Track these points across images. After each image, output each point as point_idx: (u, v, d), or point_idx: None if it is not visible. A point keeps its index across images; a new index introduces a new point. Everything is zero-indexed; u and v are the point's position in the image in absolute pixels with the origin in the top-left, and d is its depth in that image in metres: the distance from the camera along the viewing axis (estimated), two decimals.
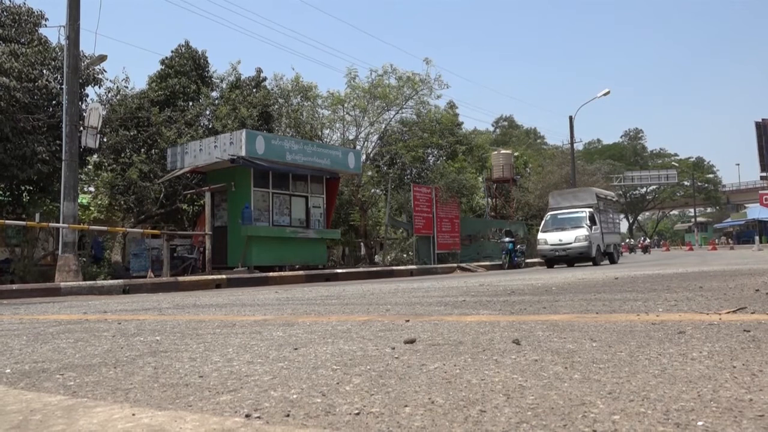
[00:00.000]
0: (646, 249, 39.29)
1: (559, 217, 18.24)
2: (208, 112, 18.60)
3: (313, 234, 15.31)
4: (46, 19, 14.72)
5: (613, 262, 18.85)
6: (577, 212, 18.06)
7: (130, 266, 15.32)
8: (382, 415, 1.17)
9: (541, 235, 17.82)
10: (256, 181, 14.24)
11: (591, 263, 17.24)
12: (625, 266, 13.60)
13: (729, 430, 0.98)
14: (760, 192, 34.27)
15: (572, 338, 2.07)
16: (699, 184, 67.04)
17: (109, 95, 16.73)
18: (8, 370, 1.92)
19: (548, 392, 1.29)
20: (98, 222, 17.68)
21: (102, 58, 14.57)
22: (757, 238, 34.61)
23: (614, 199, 21.79)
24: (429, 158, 24.84)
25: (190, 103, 18.37)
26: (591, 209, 17.96)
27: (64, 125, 10.87)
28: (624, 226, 79.10)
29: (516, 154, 35.19)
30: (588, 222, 17.14)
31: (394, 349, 2.01)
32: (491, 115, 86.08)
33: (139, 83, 38.00)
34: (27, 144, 12.76)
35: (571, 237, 16.98)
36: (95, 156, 16.30)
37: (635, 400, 1.19)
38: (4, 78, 12.27)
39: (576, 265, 18.06)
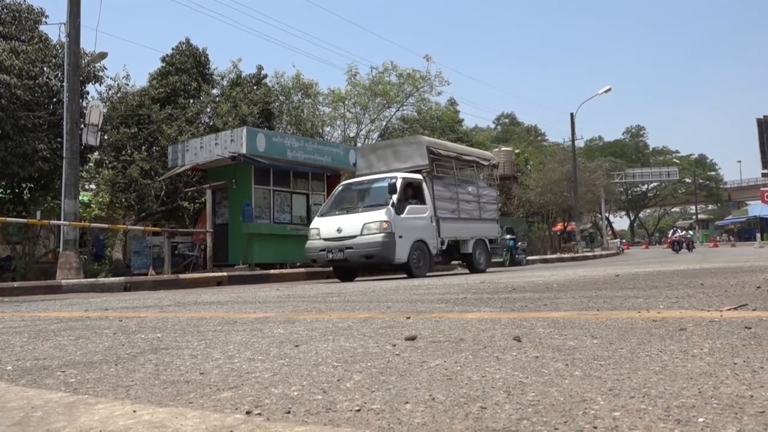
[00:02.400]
0: (681, 245, 28.12)
1: (354, 188, 11.32)
2: (209, 110, 18.60)
3: None
4: (47, 17, 14.72)
5: (476, 269, 11.98)
6: (380, 181, 10.77)
7: (132, 264, 15.34)
8: (383, 412, 1.17)
9: (314, 222, 10.96)
10: (257, 179, 14.23)
11: (404, 273, 10.57)
12: (625, 264, 13.60)
13: (730, 426, 0.98)
14: (761, 189, 34.15)
15: (573, 335, 2.07)
16: (700, 181, 67.00)
17: (110, 93, 16.73)
18: (9, 367, 1.92)
19: (549, 389, 1.29)
20: (99, 219, 17.69)
21: (103, 55, 14.56)
22: (758, 235, 34.56)
23: (484, 163, 13.51)
24: None
25: (191, 101, 18.37)
26: (408, 176, 10.82)
27: (64, 123, 10.87)
28: (625, 223, 79.12)
29: (517, 151, 35.18)
30: (394, 198, 10.00)
31: (395, 346, 2.01)
32: (492, 112, 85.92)
33: (139, 81, 38.03)
34: (28, 141, 12.77)
35: (356, 226, 10.01)
36: (96, 153, 16.29)
37: (636, 397, 1.19)
38: (4, 75, 12.27)
39: (384, 275, 12.60)
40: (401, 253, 10.08)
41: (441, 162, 11.91)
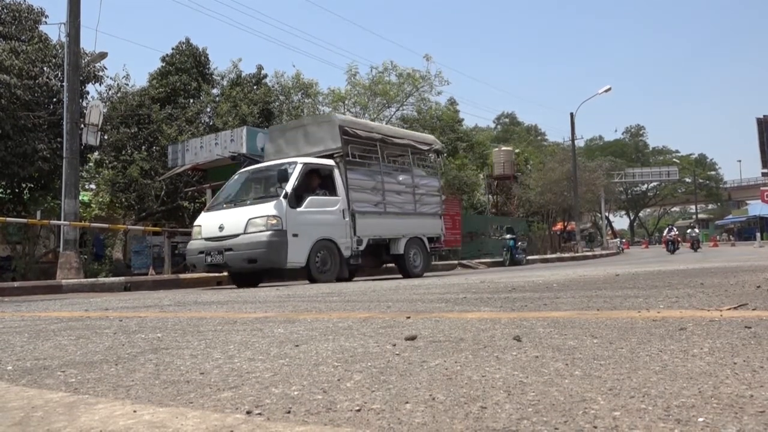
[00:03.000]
0: (676, 245, 26.26)
1: (250, 177, 9.81)
2: (208, 110, 18.61)
3: None
4: (47, 16, 14.74)
5: (409, 273, 10.38)
6: (276, 168, 9.02)
7: (132, 263, 15.34)
8: (383, 412, 1.17)
9: (198, 218, 9.47)
10: None
11: (308, 279, 8.85)
12: (625, 263, 13.60)
13: (730, 426, 0.98)
14: (761, 189, 34.15)
15: (573, 335, 2.07)
16: (700, 181, 67.01)
17: (110, 92, 16.75)
18: (10, 367, 1.92)
19: (549, 389, 1.29)
20: (99, 219, 17.70)
21: (102, 55, 14.57)
22: (758, 234, 34.57)
23: (423, 147, 11.67)
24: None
25: (191, 101, 18.39)
26: (312, 162, 9.32)
27: (64, 123, 10.87)
28: (625, 223, 79.10)
29: (517, 150, 35.20)
30: (288, 188, 8.47)
31: (395, 345, 2.01)
32: (492, 112, 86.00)
33: (139, 80, 38.01)
34: (28, 141, 12.77)
35: (239, 222, 8.45)
36: (96, 153, 16.31)
37: (636, 397, 1.19)
38: (4, 75, 12.27)
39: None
40: (296, 255, 8.41)
41: (362, 146, 10.16)
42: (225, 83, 19.94)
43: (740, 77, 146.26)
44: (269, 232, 8.22)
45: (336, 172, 9.47)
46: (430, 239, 11.34)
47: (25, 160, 12.78)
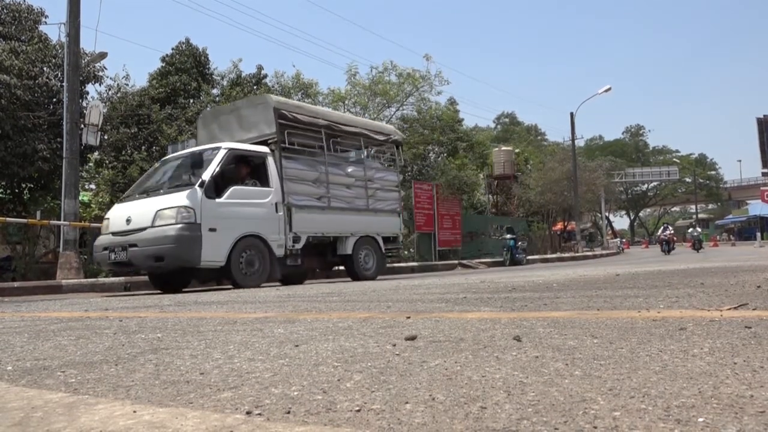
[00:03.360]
0: (671, 245, 24.51)
1: (170, 164, 8.80)
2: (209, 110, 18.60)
3: None
4: (47, 17, 14.75)
5: (359, 275, 9.56)
6: (191, 156, 8.44)
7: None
8: (383, 412, 1.17)
9: (109, 211, 8.70)
10: None
11: (230, 282, 7.96)
12: (625, 263, 13.60)
13: (730, 426, 0.98)
14: (761, 188, 34.16)
15: (573, 335, 2.07)
16: (700, 180, 67.03)
17: (110, 93, 16.75)
18: (10, 368, 1.92)
19: (549, 389, 1.29)
20: (99, 220, 17.66)
21: (102, 55, 14.57)
22: (758, 234, 34.57)
23: (379, 138, 10.72)
24: (430, 155, 24.87)
25: (191, 101, 18.39)
26: (240, 147, 8.41)
27: (64, 123, 10.87)
28: (625, 223, 79.10)
29: (517, 150, 35.21)
30: (205, 177, 7.58)
31: (395, 346, 2.01)
32: (492, 112, 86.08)
33: (139, 81, 38.00)
34: (28, 141, 12.77)
35: (147, 214, 7.51)
36: (96, 153, 16.31)
37: (636, 397, 1.19)
38: (4, 75, 12.27)
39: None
40: (213, 253, 7.40)
41: (304, 132, 9.19)
42: (225, 83, 19.96)
43: (740, 77, 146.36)
44: (179, 226, 7.19)
45: (270, 161, 8.44)
46: (386, 239, 10.43)
47: (25, 160, 12.78)
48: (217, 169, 7.76)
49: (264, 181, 8.44)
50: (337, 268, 11.20)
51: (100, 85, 15.25)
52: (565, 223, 37.88)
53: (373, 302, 4.14)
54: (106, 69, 15.04)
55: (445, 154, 25.07)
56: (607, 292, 4.00)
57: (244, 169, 8.46)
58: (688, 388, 1.24)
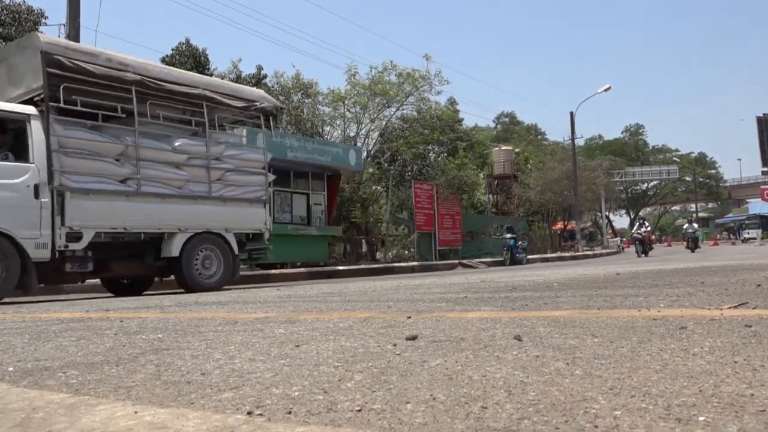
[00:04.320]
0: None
1: None
2: None
3: (315, 231, 15.33)
4: (46, 17, 14.79)
5: (193, 286, 7.60)
6: None
7: None
8: (384, 412, 1.17)
9: None
10: None
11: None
12: (625, 262, 13.60)
13: (730, 425, 0.98)
14: (761, 187, 34.13)
15: (574, 334, 2.08)
16: (700, 179, 67.01)
17: None
18: (11, 368, 1.93)
19: (550, 388, 1.29)
20: None
21: None
22: (757, 232, 34.55)
23: (235, 104, 8.50)
24: (430, 155, 24.87)
25: None
26: None
27: None
28: (625, 222, 79.12)
29: (517, 150, 35.20)
30: None
31: (395, 345, 2.01)
32: (492, 112, 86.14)
33: None
34: None
35: None
36: None
37: (637, 396, 1.19)
38: None
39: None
40: None
41: (101, 90, 7.02)
42: None
43: (740, 76, 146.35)
44: None
45: (34, 126, 6.38)
46: (247, 237, 8.49)
47: None
48: None
49: (23, 153, 6.35)
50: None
51: None
52: (565, 223, 37.88)
53: (373, 302, 4.15)
54: None
55: (445, 154, 25.06)
56: (607, 291, 4.00)
57: None
58: (689, 387, 1.24)
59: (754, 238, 33.48)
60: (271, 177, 9.08)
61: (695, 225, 25.44)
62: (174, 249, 7.43)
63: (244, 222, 8.41)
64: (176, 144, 7.67)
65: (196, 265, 7.67)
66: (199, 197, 7.78)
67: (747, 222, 50.62)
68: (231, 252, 8.07)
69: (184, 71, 9.20)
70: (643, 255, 19.43)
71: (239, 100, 8.51)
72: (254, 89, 9.53)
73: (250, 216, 8.47)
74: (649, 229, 21.61)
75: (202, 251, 7.79)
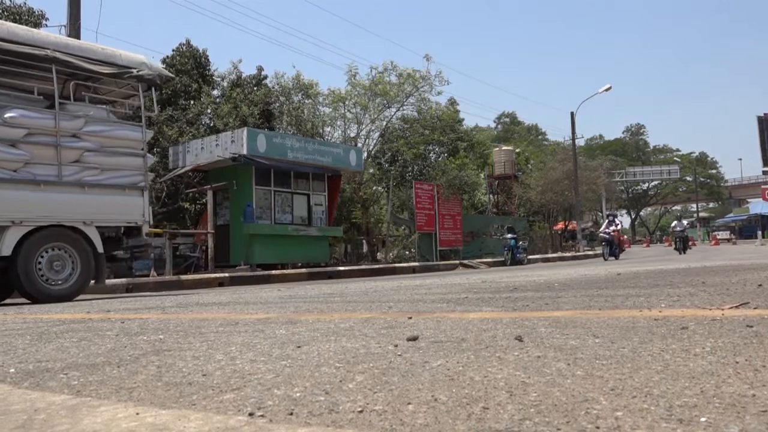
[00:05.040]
0: (616, 247, 17.23)
1: None
2: (209, 111, 18.61)
3: (315, 232, 15.32)
4: (47, 19, 14.81)
5: (36, 295, 6.43)
6: None
7: (133, 265, 15.36)
8: (386, 413, 1.17)
9: None
10: (257, 180, 14.26)
11: None
12: (626, 262, 13.59)
13: (732, 425, 0.98)
14: (762, 187, 34.08)
15: (575, 334, 2.07)
16: (701, 179, 66.96)
17: None
18: (12, 370, 1.93)
19: (551, 389, 1.29)
20: None
21: None
22: (759, 233, 34.54)
23: (101, 69, 7.18)
24: (430, 155, 24.86)
25: (192, 102, 18.39)
26: None
27: None
28: (626, 221, 79.12)
29: (518, 150, 35.21)
30: None
31: (396, 346, 2.01)
32: (493, 112, 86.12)
33: None
34: None
35: None
36: None
37: (638, 396, 1.19)
38: None
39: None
40: None
41: None
42: (225, 84, 19.95)
43: (741, 75, 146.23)
44: None
45: None
46: (112, 233, 7.09)
47: None
48: None
49: None
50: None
51: None
52: (566, 223, 37.86)
53: (374, 303, 4.15)
54: None
55: (446, 154, 25.06)
56: (608, 292, 4.00)
57: None
58: (690, 388, 1.24)
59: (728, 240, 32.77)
60: (151, 159, 7.90)
61: (685, 222, 21.73)
62: (4, 247, 6.12)
63: (114, 213, 7.00)
64: (7, 116, 6.36)
65: (39, 267, 6.35)
66: (44, 182, 6.49)
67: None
68: (93, 251, 6.74)
69: (35, 30, 7.74)
70: (612, 258, 16.78)
71: (107, 66, 7.16)
72: (134, 55, 7.75)
73: (121, 205, 7.06)
74: (619, 227, 18.20)
75: (49, 250, 6.47)
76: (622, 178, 56.55)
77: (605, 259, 16.55)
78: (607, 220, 18.48)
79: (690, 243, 23.64)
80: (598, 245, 40.58)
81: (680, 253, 18.78)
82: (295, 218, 15.15)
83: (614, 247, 17.26)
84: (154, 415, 1.22)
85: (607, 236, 17.26)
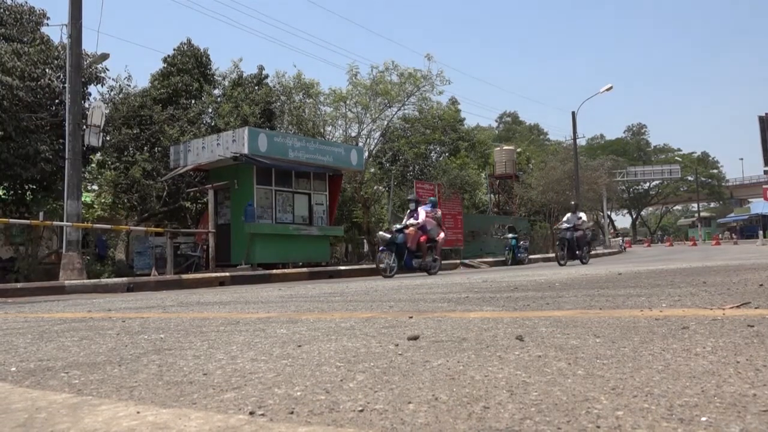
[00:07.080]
0: (579, 249, 12.91)
1: None
2: (210, 110, 18.61)
3: (316, 231, 15.32)
4: (48, 18, 14.76)
5: None
6: None
7: (134, 264, 15.37)
8: (386, 412, 1.17)
9: None
10: (258, 179, 14.25)
11: None
12: (627, 262, 13.56)
13: (733, 425, 0.98)
14: (763, 187, 34.02)
15: (576, 334, 2.07)
16: (702, 179, 66.88)
17: (112, 94, 16.76)
18: (13, 369, 1.93)
19: (552, 388, 1.29)
20: (102, 220, 17.71)
21: (104, 56, 14.59)
22: (760, 232, 34.49)
23: None
24: (431, 155, 24.86)
25: (193, 101, 18.39)
26: None
27: (67, 124, 10.88)
28: (627, 221, 79.02)
29: (519, 150, 35.18)
30: None
31: (397, 345, 2.01)
32: (494, 111, 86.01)
33: (141, 81, 38.05)
34: (30, 143, 12.79)
35: None
36: (98, 154, 16.34)
37: (639, 396, 1.19)
38: (7, 77, 12.29)
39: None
40: None
41: None
42: (226, 84, 19.95)
43: (742, 75, 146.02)
44: None
45: None
46: None
47: (28, 161, 12.79)
48: None
49: None
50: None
51: (102, 86, 15.26)
52: None
53: (375, 302, 4.14)
54: (107, 70, 15.05)
55: (447, 154, 25.06)
56: (609, 291, 4.00)
57: None
58: (691, 387, 1.24)
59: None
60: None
61: (581, 216, 14.12)
62: None
63: None
64: None
65: None
66: None
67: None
68: None
69: None
70: (576, 262, 13.20)
71: None
72: None
73: None
74: (571, 225, 13.49)
75: None
76: (623, 177, 56.50)
77: (559, 264, 12.79)
78: (568, 215, 14.08)
79: (625, 246, 14.72)
80: (599, 245, 40.62)
81: (559, 264, 12.85)
82: (296, 218, 15.14)
83: (578, 248, 13.24)
84: (155, 413, 1.22)
85: (566, 235, 13.18)
